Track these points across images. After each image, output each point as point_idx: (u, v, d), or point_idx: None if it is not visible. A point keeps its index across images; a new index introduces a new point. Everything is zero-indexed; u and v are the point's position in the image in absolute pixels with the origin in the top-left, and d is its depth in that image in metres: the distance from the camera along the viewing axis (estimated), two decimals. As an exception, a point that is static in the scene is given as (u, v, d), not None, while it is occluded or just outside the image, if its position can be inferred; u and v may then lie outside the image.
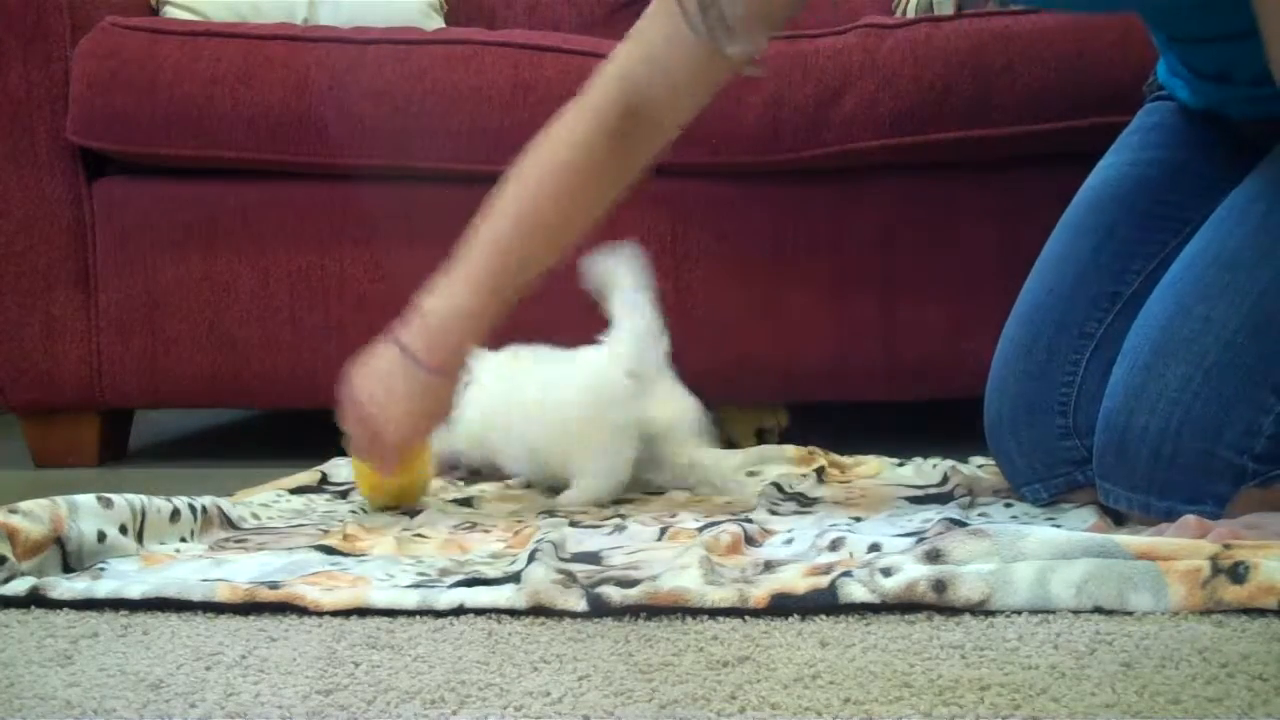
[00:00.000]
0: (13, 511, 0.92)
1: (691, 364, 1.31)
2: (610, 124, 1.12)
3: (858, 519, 1.12)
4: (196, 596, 0.84)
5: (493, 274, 1.12)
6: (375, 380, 1.11)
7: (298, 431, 1.91)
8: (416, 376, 1.10)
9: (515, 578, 0.85)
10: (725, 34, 1.02)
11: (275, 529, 1.16)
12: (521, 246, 1.13)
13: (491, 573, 0.91)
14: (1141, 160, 1.20)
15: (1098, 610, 0.77)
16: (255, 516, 1.18)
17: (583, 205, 1.15)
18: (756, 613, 0.79)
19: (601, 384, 1.22)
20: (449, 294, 1.12)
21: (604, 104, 1.12)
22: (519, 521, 1.16)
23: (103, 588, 0.86)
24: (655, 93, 1.12)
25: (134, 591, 0.85)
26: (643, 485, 1.29)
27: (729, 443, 1.59)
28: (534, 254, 1.14)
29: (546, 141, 1.14)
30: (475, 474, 1.40)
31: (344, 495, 1.32)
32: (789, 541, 1.01)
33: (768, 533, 1.05)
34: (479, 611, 0.82)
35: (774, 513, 1.16)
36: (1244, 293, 0.97)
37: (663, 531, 1.07)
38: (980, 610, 0.78)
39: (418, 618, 0.82)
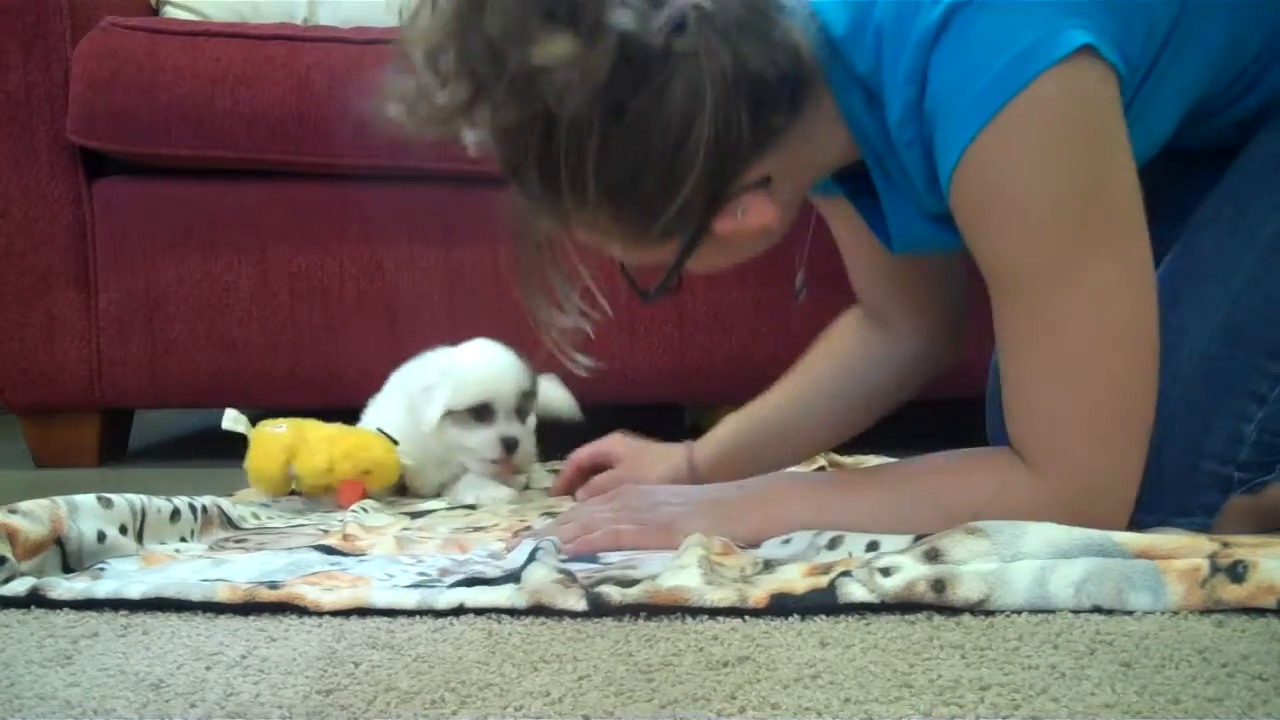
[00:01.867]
0: (13, 511, 0.92)
1: (692, 364, 1.31)
2: (855, 325, 1.25)
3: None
4: (196, 596, 0.84)
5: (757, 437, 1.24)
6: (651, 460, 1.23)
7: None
8: (679, 466, 1.22)
9: (515, 577, 0.85)
10: None
11: (275, 529, 1.16)
12: (786, 418, 1.25)
13: (491, 572, 0.91)
14: None
15: (1097, 610, 0.77)
16: (255, 516, 1.18)
17: (845, 394, 1.25)
18: (756, 613, 0.79)
19: None
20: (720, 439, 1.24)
21: (847, 320, 1.26)
22: (519, 520, 1.16)
23: (103, 588, 0.86)
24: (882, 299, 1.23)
25: (134, 591, 0.85)
26: None
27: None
28: (797, 428, 1.25)
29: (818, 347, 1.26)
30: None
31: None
32: (787, 541, 1.01)
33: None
34: (479, 611, 0.82)
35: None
36: (1215, 303, 0.96)
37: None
38: (980, 610, 0.78)
39: (418, 618, 0.82)
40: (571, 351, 1.00)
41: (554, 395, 1.44)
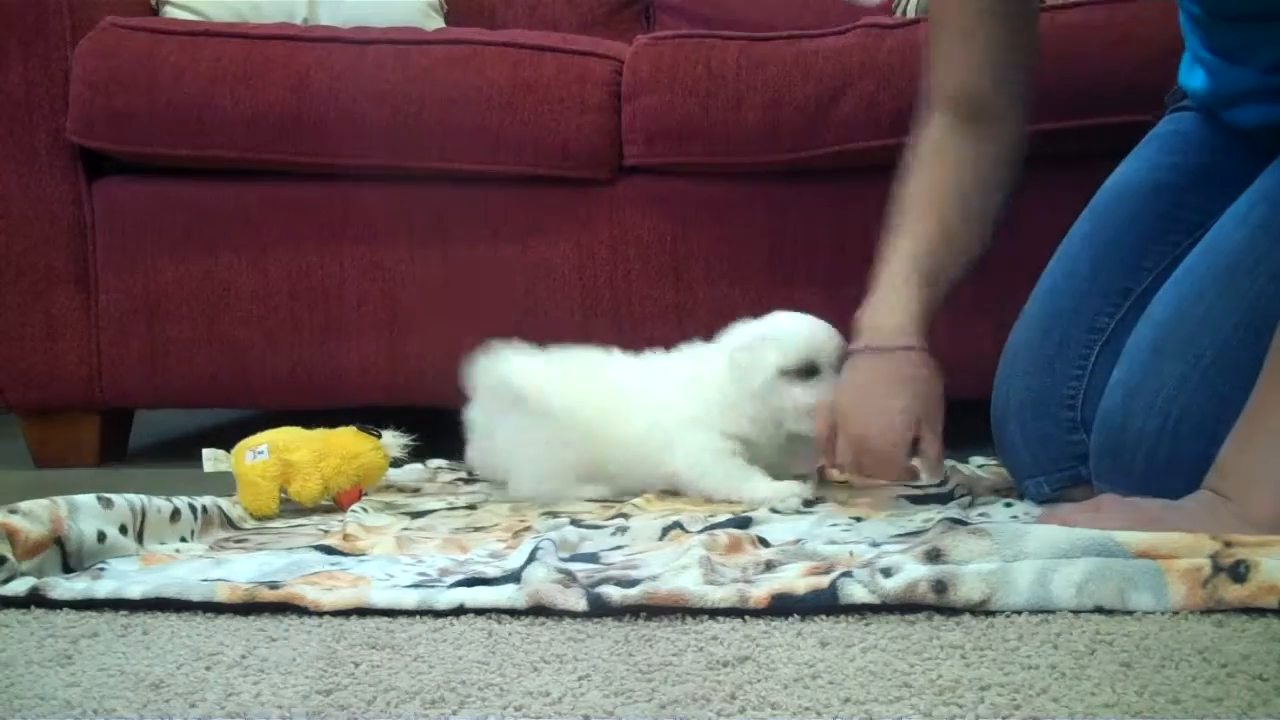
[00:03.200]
0: (13, 511, 0.92)
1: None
2: (955, 125, 1.19)
3: (858, 519, 1.12)
4: (196, 596, 0.84)
5: (930, 272, 1.17)
6: (854, 397, 1.14)
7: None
8: (891, 365, 1.13)
9: (515, 578, 0.85)
10: None
11: (275, 529, 1.16)
12: (943, 241, 1.19)
13: (492, 572, 0.91)
14: (1160, 164, 1.21)
15: (1098, 610, 0.77)
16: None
17: (972, 199, 1.20)
18: (756, 613, 0.79)
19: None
20: (906, 295, 1.16)
21: (940, 119, 1.20)
22: (520, 521, 1.16)
23: (103, 588, 0.86)
24: (984, 82, 1.18)
25: (134, 591, 0.85)
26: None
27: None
28: (953, 249, 1.19)
29: (912, 160, 1.21)
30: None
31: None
32: (796, 541, 1.01)
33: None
34: (479, 611, 0.82)
35: (775, 511, 1.16)
36: (1241, 293, 0.98)
37: (664, 532, 1.07)
38: (980, 610, 0.78)
39: (418, 618, 0.82)
40: None
41: None
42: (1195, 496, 0.92)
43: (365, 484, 1.29)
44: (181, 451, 1.85)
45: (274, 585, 0.86)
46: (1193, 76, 1.22)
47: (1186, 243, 1.13)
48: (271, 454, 1.23)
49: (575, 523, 1.13)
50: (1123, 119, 1.38)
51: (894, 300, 1.16)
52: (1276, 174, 1.05)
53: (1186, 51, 1.23)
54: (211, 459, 1.23)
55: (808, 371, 1.27)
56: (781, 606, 0.79)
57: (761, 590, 0.80)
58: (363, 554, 1.03)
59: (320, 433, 1.29)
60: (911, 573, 0.79)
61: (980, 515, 1.11)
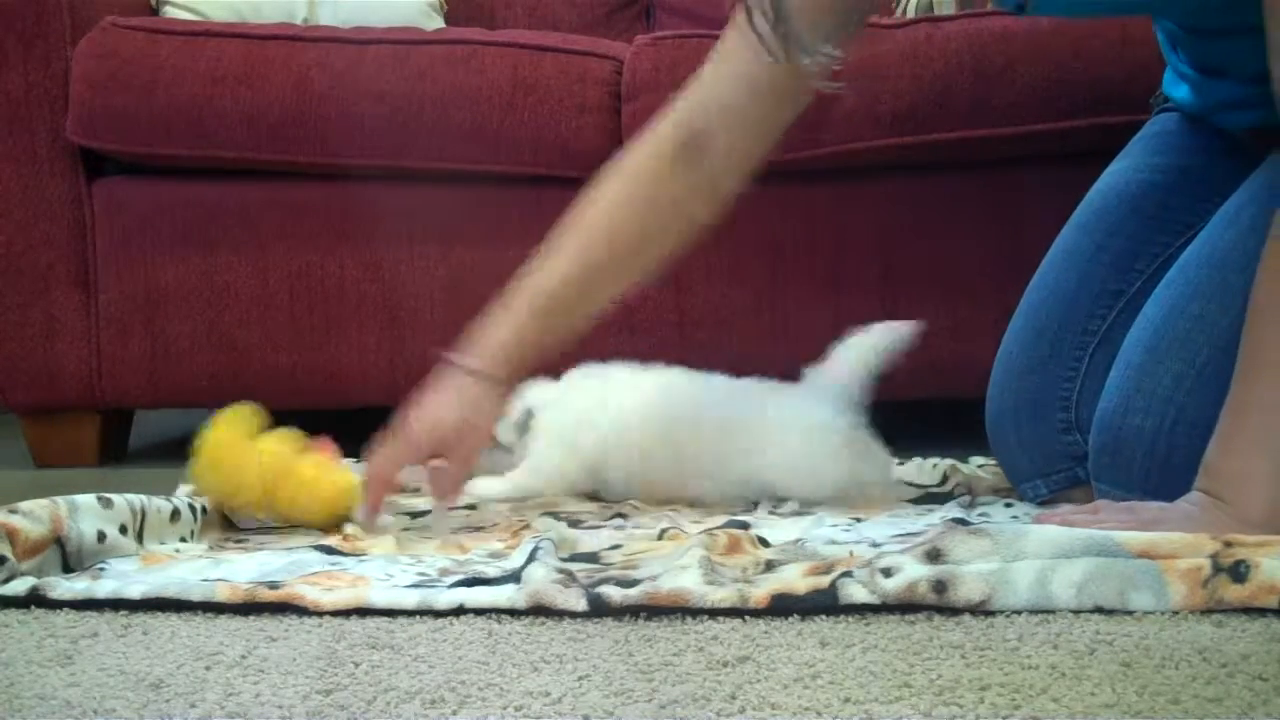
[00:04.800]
0: (13, 511, 0.92)
1: (692, 363, 1.31)
2: (666, 151, 1.12)
3: (858, 519, 1.12)
4: (196, 596, 0.84)
5: (548, 305, 1.12)
6: (430, 398, 1.11)
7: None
8: (462, 383, 1.10)
9: (515, 577, 0.85)
10: (795, 47, 1.01)
11: (275, 529, 1.16)
12: (580, 279, 1.12)
13: (491, 572, 0.91)
14: (1148, 166, 1.21)
15: (1098, 610, 0.77)
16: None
17: (639, 241, 1.14)
18: (756, 613, 0.79)
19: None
20: (503, 321, 1.12)
21: (661, 133, 1.13)
22: (519, 520, 1.16)
23: (103, 588, 0.86)
24: (716, 125, 1.11)
25: (134, 591, 0.85)
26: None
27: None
28: (592, 288, 1.13)
29: (609, 171, 1.14)
30: None
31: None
32: (796, 541, 1.01)
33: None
34: (479, 611, 0.82)
35: (774, 513, 1.16)
36: (1234, 292, 0.98)
37: (663, 532, 1.07)
38: (980, 610, 0.78)
39: (418, 618, 0.82)
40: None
41: None
42: (1189, 498, 0.92)
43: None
44: (181, 451, 1.85)
45: (274, 585, 0.86)
46: (1178, 90, 1.22)
47: (1177, 244, 1.13)
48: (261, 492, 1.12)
49: (575, 523, 1.13)
50: (1120, 119, 1.39)
51: (499, 319, 1.12)
52: (1265, 175, 1.06)
53: (1169, 67, 1.24)
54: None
55: None
56: (781, 606, 0.79)
57: (761, 590, 0.80)
58: (362, 554, 1.03)
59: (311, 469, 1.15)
60: (911, 573, 0.79)
61: (980, 515, 1.11)
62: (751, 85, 1.10)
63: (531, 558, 0.89)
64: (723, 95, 1.12)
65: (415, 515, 1.21)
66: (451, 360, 1.11)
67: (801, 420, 1.21)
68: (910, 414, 1.79)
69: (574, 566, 0.89)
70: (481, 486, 1.29)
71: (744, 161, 1.15)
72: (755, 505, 1.20)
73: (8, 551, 0.89)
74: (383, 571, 0.94)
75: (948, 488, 1.25)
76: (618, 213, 1.13)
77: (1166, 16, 1.16)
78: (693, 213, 1.15)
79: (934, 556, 0.81)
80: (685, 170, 1.12)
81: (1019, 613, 0.77)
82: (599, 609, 0.80)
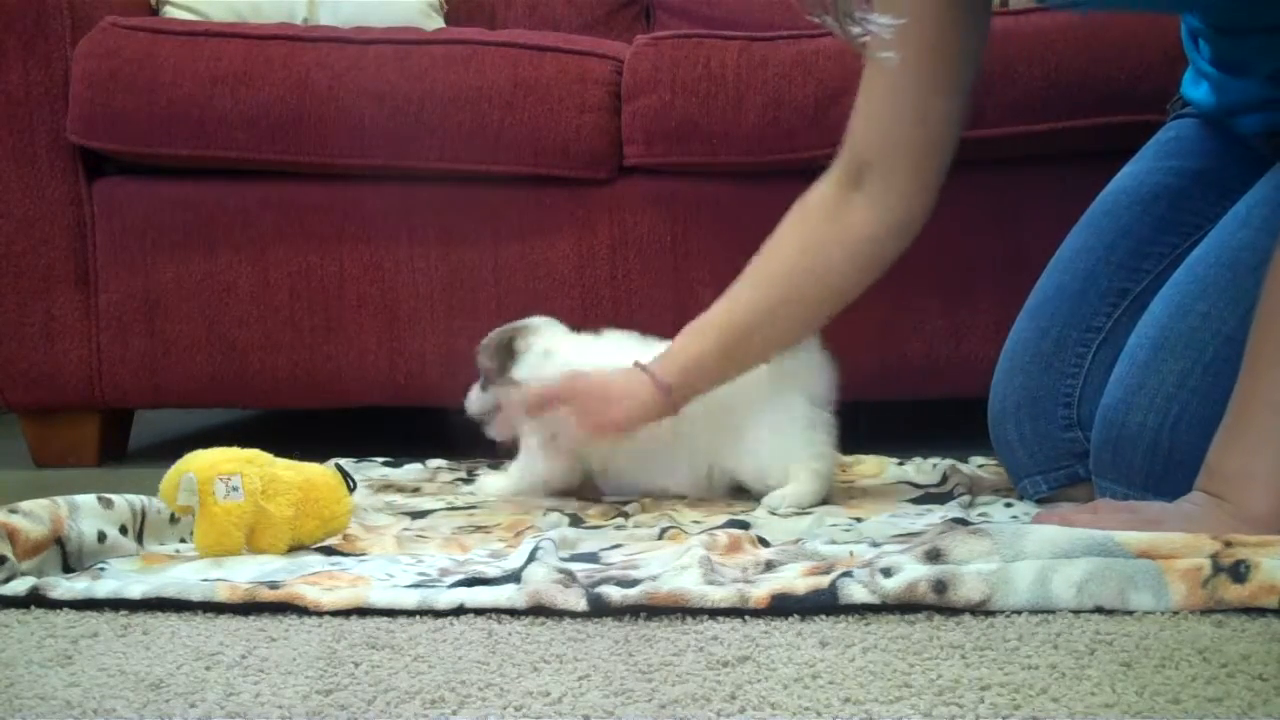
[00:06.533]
0: (13, 511, 0.92)
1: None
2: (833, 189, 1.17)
3: (858, 519, 1.12)
4: (196, 596, 0.84)
5: (732, 334, 1.20)
6: (610, 380, 1.19)
7: (298, 431, 1.91)
8: (635, 373, 1.18)
9: (515, 577, 0.85)
10: (844, 16, 1.00)
11: (275, 529, 1.15)
12: (766, 309, 1.20)
13: (491, 572, 0.91)
14: (1160, 168, 1.22)
15: (1098, 610, 0.77)
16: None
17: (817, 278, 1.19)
18: (756, 613, 0.79)
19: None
20: (691, 338, 1.20)
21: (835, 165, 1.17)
22: (519, 520, 1.16)
23: (103, 588, 0.86)
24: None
25: (134, 591, 0.85)
26: None
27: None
28: (776, 319, 1.20)
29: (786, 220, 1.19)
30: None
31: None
32: (796, 541, 1.01)
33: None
34: (479, 611, 0.82)
35: (774, 513, 1.16)
36: (1243, 292, 0.98)
37: (663, 532, 1.07)
38: (980, 610, 0.78)
39: (418, 618, 0.82)
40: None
41: None
42: (1190, 498, 0.92)
43: (329, 538, 1.14)
44: (181, 451, 1.85)
45: (274, 585, 0.86)
46: (1197, 90, 1.23)
47: (1185, 245, 1.14)
48: (247, 495, 1.03)
49: (575, 523, 1.13)
50: (1124, 119, 1.39)
51: (683, 337, 1.21)
52: (1277, 177, 1.06)
53: (1190, 67, 1.24)
54: (188, 489, 1.04)
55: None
56: (781, 606, 0.79)
57: (761, 590, 0.80)
58: (363, 554, 1.03)
59: (301, 475, 1.08)
60: (911, 573, 0.79)
61: (980, 515, 1.12)
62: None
63: (532, 557, 0.89)
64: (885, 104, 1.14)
65: (416, 515, 1.21)
66: (643, 365, 1.19)
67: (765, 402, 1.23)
68: (910, 414, 1.79)
69: (574, 566, 0.89)
70: (487, 484, 1.29)
71: (914, 168, 1.16)
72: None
73: (8, 551, 0.89)
74: (383, 571, 0.94)
75: (948, 488, 1.25)
76: (791, 264, 1.19)
77: (1202, 13, 1.15)
78: (860, 258, 1.19)
79: (934, 556, 0.81)
80: (855, 205, 1.16)
81: (1019, 613, 0.77)
82: (599, 609, 0.80)
